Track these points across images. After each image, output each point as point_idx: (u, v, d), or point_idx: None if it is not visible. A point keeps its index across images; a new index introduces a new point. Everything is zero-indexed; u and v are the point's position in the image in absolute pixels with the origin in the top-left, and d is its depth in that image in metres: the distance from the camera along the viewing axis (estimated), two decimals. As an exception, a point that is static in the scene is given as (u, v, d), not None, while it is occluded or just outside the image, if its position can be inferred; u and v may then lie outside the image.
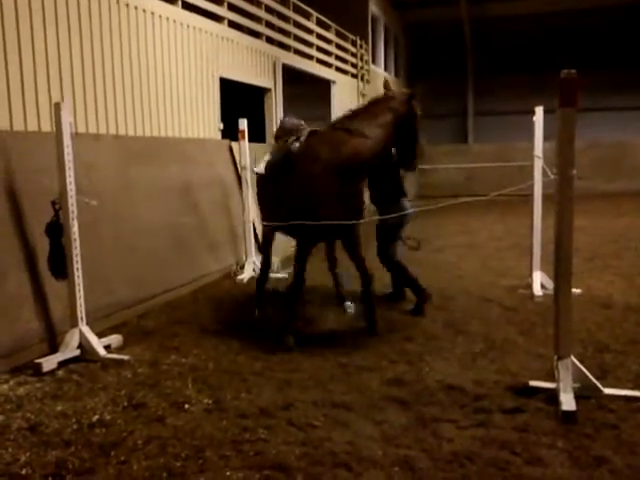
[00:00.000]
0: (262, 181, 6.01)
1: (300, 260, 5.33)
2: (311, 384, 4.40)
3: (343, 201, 5.18)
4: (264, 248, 6.30)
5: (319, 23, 14.47)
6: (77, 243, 5.05)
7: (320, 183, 5.11)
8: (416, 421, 3.77)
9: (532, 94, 15.78)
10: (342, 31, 16.12)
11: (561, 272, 4.00)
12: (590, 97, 15.04)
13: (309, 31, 13.72)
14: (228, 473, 3.21)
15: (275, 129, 6.09)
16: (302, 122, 5.86)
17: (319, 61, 14.29)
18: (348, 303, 6.29)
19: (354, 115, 5.31)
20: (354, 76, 17.18)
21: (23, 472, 3.27)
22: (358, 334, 5.52)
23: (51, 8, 5.91)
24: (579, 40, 23.39)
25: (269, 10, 11.37)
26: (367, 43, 18.34)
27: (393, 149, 5.59)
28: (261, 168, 5.87)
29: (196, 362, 4.93)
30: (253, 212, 8.30)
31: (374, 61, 19.92)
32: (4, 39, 5.37)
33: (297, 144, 5.41)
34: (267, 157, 5.87)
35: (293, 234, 5.66)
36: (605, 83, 22.05)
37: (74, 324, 5.09)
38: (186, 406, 4.06)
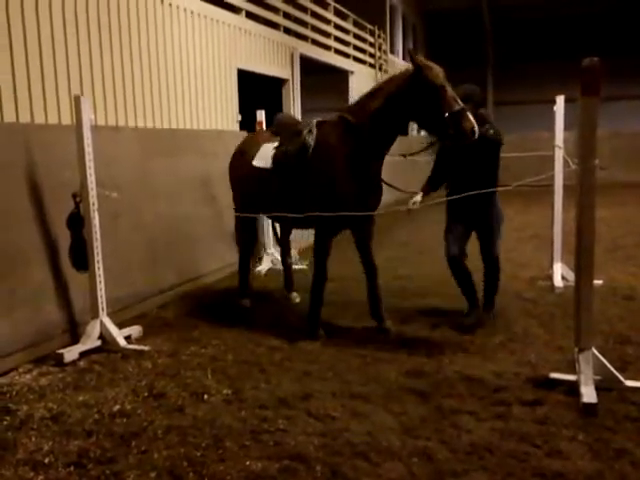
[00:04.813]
0: (264, 174, 5.69)
1: (321, 251, 5.30)
2: (330, 375, 4.41)
3: (363, 189, 5.13)
4: (243, 237, 6.50)
5: (337, 13, 14.40)
6: (98, 235, 5.09)
7: (339, 172, 5.05)
8: (435, 412, 3.76)
9: (553, 83, 15.59)
10: (360, 21, 16.02)
11: (582, 263, 3.95)
12: (611, 85, 14.82)
13: (327, 21, 13.65)
14: (247, 463, 3.23)
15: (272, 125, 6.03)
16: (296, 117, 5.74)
17: (337, 51, 14.22)
18: (294, 294, 6.54)
19: (360, 98, 5.23)
20: (372, 66, 17.07)
21: (46, 461, 3.32)
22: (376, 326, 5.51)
23: (71, 1, 5.94)
24: (601, 27, 23.04)
25: (286, 0, 11.33)
26: (385, 33, 18.20)
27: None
28: (266, 162, 5.64)
29: (215, 353, 4.97)
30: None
31: (392, 51, 19.79)
32: (24, 32, 5.41)
33: (311, 135, 5.33)
34: (269, 151, 5.66)
35: (310, 225, 5.62)
36: (627, 71, 21.70)
37: (95, 315, 5.15)
38: (206, 396, 4.10)
